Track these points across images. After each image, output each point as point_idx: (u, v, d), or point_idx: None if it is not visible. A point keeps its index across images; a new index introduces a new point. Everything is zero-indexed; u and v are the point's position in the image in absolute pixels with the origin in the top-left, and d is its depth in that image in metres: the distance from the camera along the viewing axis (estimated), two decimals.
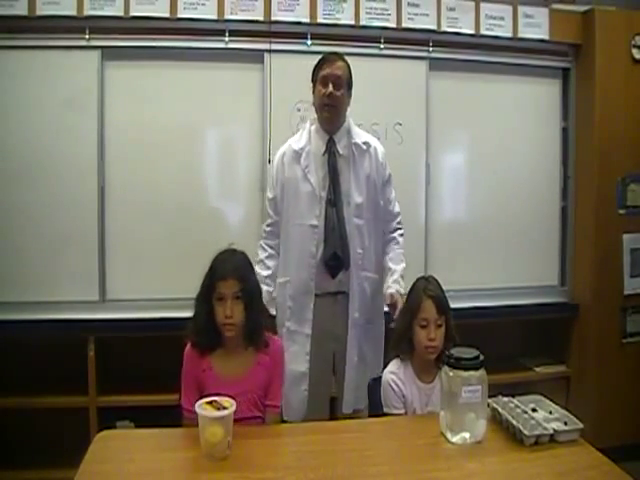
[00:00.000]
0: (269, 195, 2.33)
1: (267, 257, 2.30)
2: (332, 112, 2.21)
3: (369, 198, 2.25)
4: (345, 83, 2.21)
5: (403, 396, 1.81)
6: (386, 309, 2.24)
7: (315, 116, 2.29)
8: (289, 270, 2.25)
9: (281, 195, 2.28)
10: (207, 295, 1.73)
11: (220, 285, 1.71)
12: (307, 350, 2.21)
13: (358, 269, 2.23)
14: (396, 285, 2.18)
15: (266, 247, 2.32)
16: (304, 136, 2.29)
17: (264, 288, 2.21)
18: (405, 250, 2.36)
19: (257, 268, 2.22)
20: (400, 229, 2.37)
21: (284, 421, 2.16)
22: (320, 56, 2.25)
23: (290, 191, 2.25)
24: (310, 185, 2.21)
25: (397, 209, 2.38)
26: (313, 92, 2.26)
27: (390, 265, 2.27)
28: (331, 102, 2.18)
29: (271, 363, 1.77)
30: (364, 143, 2.26)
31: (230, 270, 1.72)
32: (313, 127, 2.30)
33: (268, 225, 2.33)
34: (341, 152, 2.24)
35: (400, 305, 2.03)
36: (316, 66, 2.23)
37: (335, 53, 2.26)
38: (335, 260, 2.20)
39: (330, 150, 2.24)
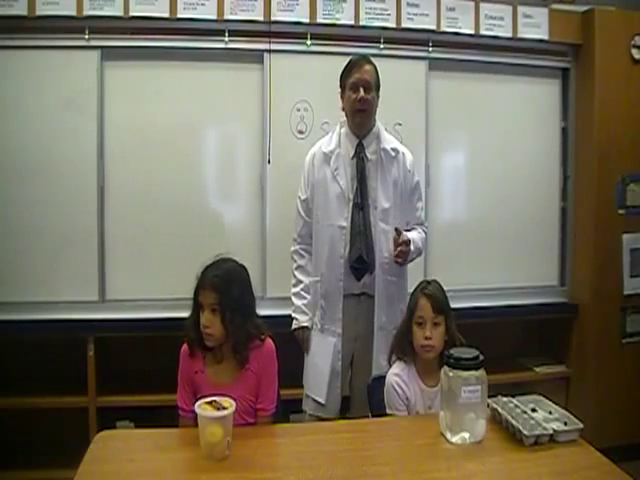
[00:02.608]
0: (301, 197, 2.37)
1: (306, 263, 2.35)
2: (364, 117, 2.26)
3: (396, 204, 2.28)
4: (374, 86, 2.25)
5: (407, 399, 1.81)
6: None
7: (344, 119, 2.34)
8: (319, 270, 2.29)
9: (311, 196, 2.33)
10: (195, 300, 1.74)
11: (200, 294, 1.72)
12: (339, 349, 2.25)
13: (385, 273, 2.25)
14: (409, 235, 2.24)
15: (303, 253, 2.37)
16: (334, 139, 2.33)
17: (300, 318, 2.30)
18: None
19: (297, 276, 2.35)
20: (424, 231, 2.42)
21: (322, 419, 2.19)
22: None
23: (320, 192, 2.30)
24: (339, 187, 2.26)
25: (423, 218, 2.44)
26: (341, 97, 2.30)
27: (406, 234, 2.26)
28: (363, 107, 2.23)
29: (260, 366, 1.75)
30: (393, 149, 2.30)
31: (208, 280, 1.71)
32: (343, 130, 2.34)
33: (301, 228, 2.36)
34: (370, 157, 2.29)
35: (404, 246, 2.15)
36: (344, 71, 2.27)
37: (362, 56, 2.30)
38: (360, 263, 2.23)
39: (359, 154, 2.28)
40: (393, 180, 2.28)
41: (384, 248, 2.25)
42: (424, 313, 1.80)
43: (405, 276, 2.36)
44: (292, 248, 2.39)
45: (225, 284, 1.70)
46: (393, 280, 2.28)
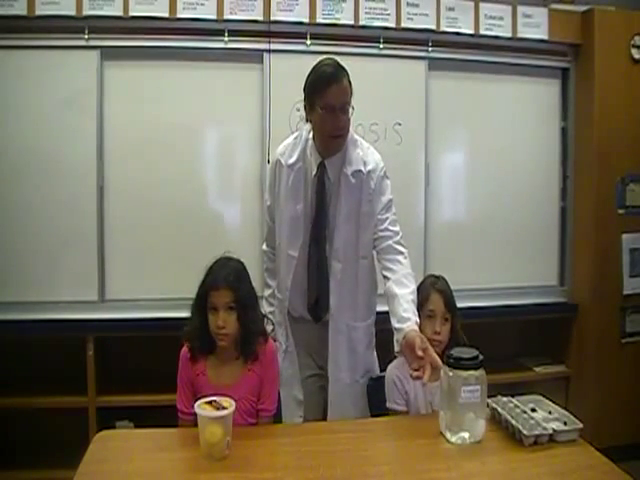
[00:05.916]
0: (267, 201, 2.16)
1: (274, 267, 2.14)
2: (341, 142, 1.91)
3: (357, 236, 1.93)
4: (350, 98, 1.87)
5: (406, 393, 1.82)
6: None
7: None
8: (281, 289, 2.07)
9: (274, 207, 2.09)
10: (201, 304, 1.73)
11: (212, 295, 1.70)
12: (299, 377, 2.03)
13: (342, 319, 1.96)
14: (413, 318, 1.70)
15: (271, 256, 2.18)
16: (298, 149, 1.97)
17: (266, 309, 2.17)
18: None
19: (266, 279, 2.22)
20: (402, 252, 1.91)
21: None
22: (315, 62, 1.90)
23: (278, 210, 2.04)
24: (295, 210, 1.94)
25: (397, 229, 1.96)
26: (308, 110, 1.90)
27: (395, 290, 1.79)
28: (341, 132, 1.88)
29: (262, 366, 1.75)
30: (354, 173, 1.92)
31: (222, 279, 1.70)
32: (309, 143, 1.97)
33: (267, 233, 2.20)
34: (332, 180, 1.94)
35: (430, 352, 1.62)
36: (315, 85, 1.86)
37: (334, 66, 1.86)
38: (317, 304, 2.00)
39: (320, 176, 1.95)
40: (355, 209, 1.93)
41: (341, 290, 1.94)
42: (436, 307, 1.83)
43: (375, 315, 2.07)
44: (262, 247, 2.25)
45: (238, 281, 1.71)
46: (357, 326, 1.98)
